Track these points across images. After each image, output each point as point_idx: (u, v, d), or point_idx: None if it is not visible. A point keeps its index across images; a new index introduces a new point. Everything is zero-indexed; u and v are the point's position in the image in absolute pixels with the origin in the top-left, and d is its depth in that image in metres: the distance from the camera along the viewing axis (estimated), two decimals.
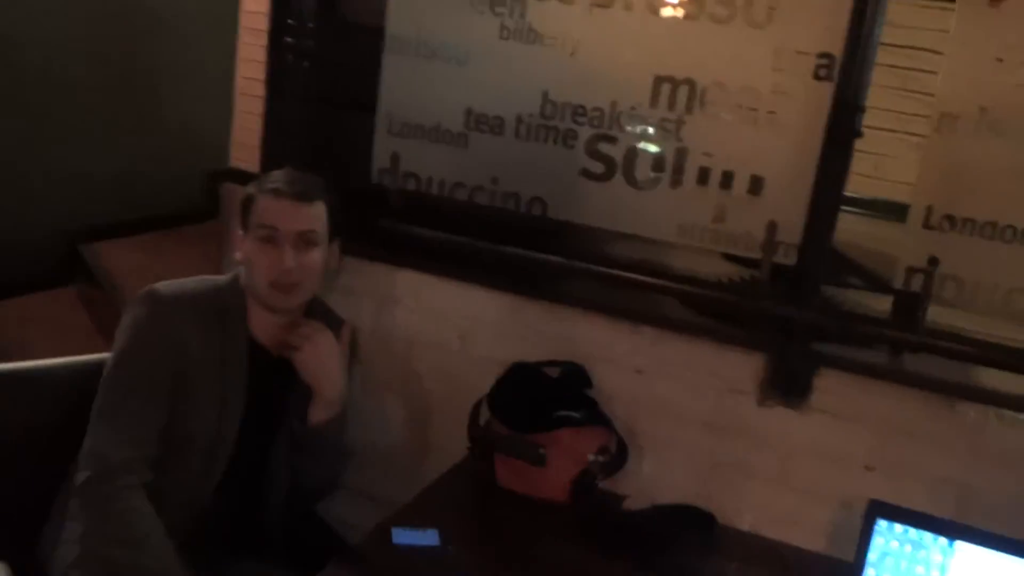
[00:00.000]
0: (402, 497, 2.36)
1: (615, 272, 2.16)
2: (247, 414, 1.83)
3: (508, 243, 2.20)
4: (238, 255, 1.84)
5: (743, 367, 2.06)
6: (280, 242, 1.76)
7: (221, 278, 1.87)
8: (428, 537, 1.84)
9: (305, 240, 1.79)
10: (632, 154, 2.11)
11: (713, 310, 2.14)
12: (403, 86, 2.23)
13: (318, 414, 1.87)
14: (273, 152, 2.36)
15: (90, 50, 4.00)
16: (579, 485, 2.06)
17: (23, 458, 1.87)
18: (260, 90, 4.52)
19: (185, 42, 4.37)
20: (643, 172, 2.12)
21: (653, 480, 2.13)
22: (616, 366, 2.16)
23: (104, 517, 1.67)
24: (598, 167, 2.13)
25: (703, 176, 2.05)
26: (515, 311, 2.23)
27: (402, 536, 1.84)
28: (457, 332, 2.28)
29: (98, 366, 1.83)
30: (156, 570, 1.66)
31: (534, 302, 2.21)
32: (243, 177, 4.57)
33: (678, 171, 2.06)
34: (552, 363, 2.19)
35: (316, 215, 1.81)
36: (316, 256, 1.81)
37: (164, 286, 1.79)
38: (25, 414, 1.90)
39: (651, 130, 2.07)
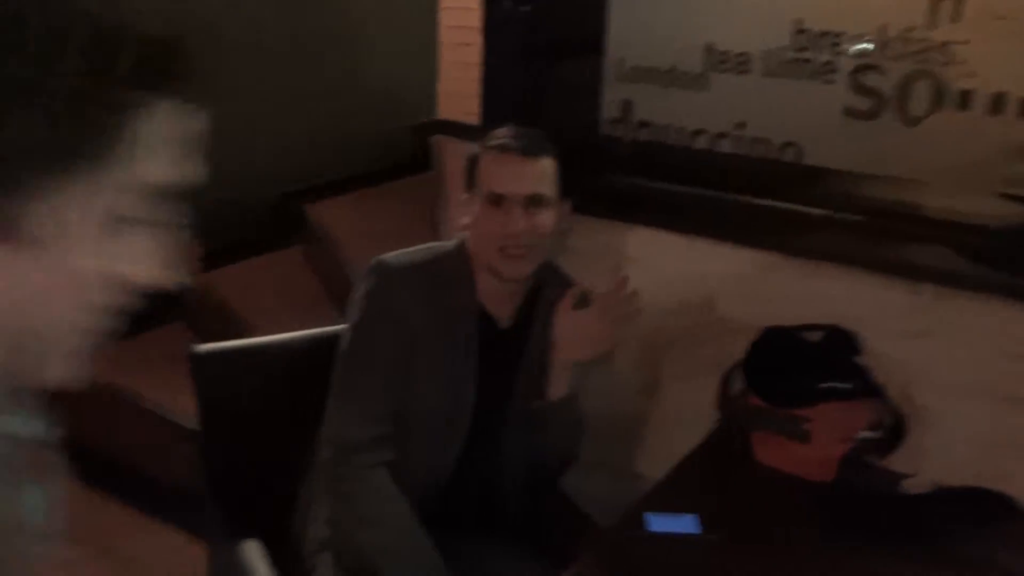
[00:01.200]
0: (643, 469, 2.22)
1: (882, 221, 1.86)
2: (479, 389, 1.74)
3: (756, 194, 1.94)
4: (465, 219, 1.74)
5: None
6: (509, 205, 1.65)
7: (447, 244, 1.78)
8: (686, 524, 1.67)
9: (535, 201, 1.66)
10: (907, 85, 1.80)
11: (997, 261, 1.82)
12: (634, 25, 2.03)
13: (558, 388, 1.74)
14: (492, 106, 2.23)
15: (281, 16, 3.97)
16: (848, 464, 1.82)
17: (267, 435, 1.86)
18: (465, 38, 4.47)
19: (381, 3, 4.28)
20: (919, 106, 1.80)
21: (935, 458, 1.87)
22: (888, 330, 1.90)
23: (348, 498, 1.65)
24: (864, 103, 1.83)
25: (997, 105, 1.71)
26: (766, 270, 2.00)
27: (658, 523, 1.67)
28: (700, 294, 2.08)
29: (334, 337, 1.79)
30: (403, 550, 1.62)
31: (789, 259, 1.98)
32: (452, 128, 4.59)
33: (965, 102, 1.73)
34: (812, 327, 1.95)
35: (544, 172, 1.68)
36: (547, 218, 1.68)
37: (392, 257, 1.72)
38: (265, 390, 1.89)
39: (929, 56, 1.75)
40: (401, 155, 4.54)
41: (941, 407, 1.87)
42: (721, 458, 1.94)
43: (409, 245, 3.87)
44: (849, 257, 1.91)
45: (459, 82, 4.62)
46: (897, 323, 1.88)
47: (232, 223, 3.77)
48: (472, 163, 1.72)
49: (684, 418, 2.11)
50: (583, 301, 1.69)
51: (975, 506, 1.77)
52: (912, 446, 1.86)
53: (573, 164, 1.74)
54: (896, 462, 1.87)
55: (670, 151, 2.05)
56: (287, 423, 1.86)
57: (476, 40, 4.39)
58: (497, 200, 1.66)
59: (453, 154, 4.36)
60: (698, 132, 2.03)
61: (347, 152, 4.29)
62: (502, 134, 1.70)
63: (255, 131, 3.82)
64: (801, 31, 1.85)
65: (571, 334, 1.69)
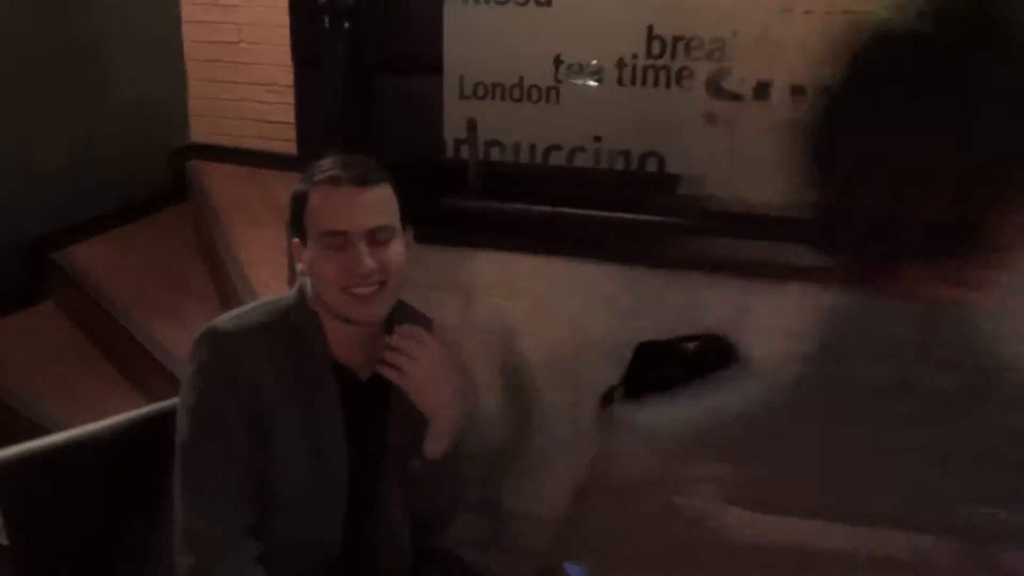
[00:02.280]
0: (526, 506, 2.08)
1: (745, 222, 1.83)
2: (351, 450, 1.55)
3: (616, 208, 1.85)
4: (300, 266, 1.55)
5: None
6: (351, 242, 1.46)
7: (285, 297, 1.58)
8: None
9: (380, 234, 1.49)
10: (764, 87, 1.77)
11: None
12: (474, 40, 1.88)
13: (437, 444, 1.58)
14: (311, 133, 1.97)
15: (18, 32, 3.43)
16: None
17: (96, 548, 1.60)
18: (214, 53, 4.13)
19: (121, 10, 3.82)
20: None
21: None
22: (761, 331, 1.85)
23: None
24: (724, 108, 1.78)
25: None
26: (630, 283, 1.94)
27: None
28: (565, 316, 1.97)
29: (160, 417, 1.59)
30: None
31: (652, 271, 1.91)
32: (208, 151, 4.23)
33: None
34: (686, 338, 1.89)
35: (384, 201, 1.51)
36: (395, 250, 1.51)
37: (223, 322, 1.51)
38: (84, 496, 1.60)
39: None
40: (161, 184, 4.11)
41: None
42: None
43: (181, 282, 3.52)
44: (713, 262, 1.86)
45: (207, 102, 4.31)
46: (769, 322, 1.85)
47: None
48: (298, 203, 1.51)
49: (566, 447, 2.01)
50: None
51: None
52: None
53: (416, 190, 1.58)
54: None
55: (522, 169, 1.92)
56: (117, 530, 1.60)
57: (225, 55, 4.10)
58: (336, 239, 1.46)
59: (217, 178, 4.04)
60: (552, 148, 1.91)
61: (97, 186, 3.82)
62: (328, 165, 1.51)
63: None
64: (656, 37, 1.77)
65: (424, 393, 1.54)
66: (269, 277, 2.98)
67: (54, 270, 3.55)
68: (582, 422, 1.98)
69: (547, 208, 1.90)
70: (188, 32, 4.17)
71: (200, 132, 4.29)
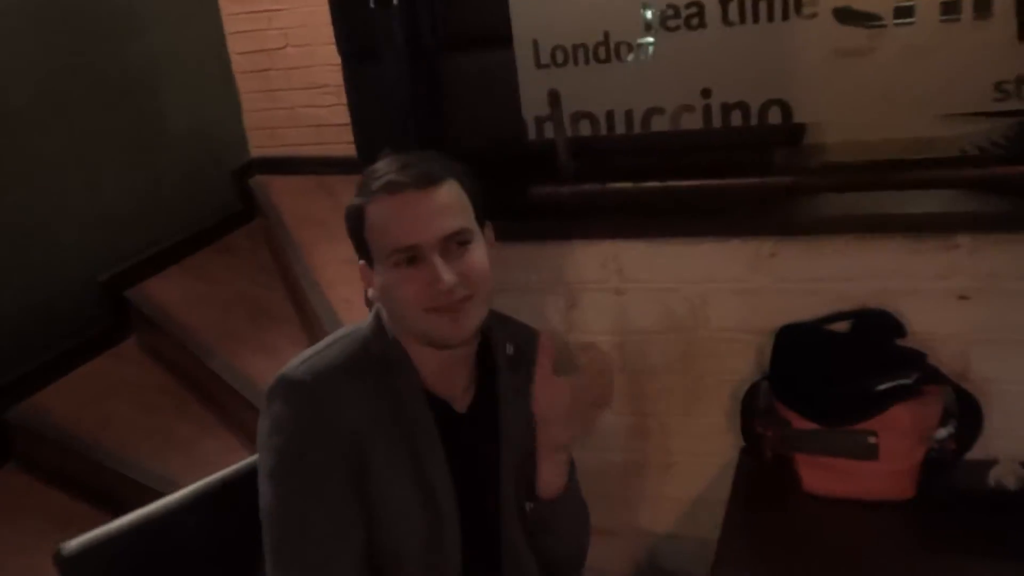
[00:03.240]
0: (654, 526, 1.80)
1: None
2: (458, 495, 1.31)
3: (736, 174, 1.55)
4: (370, 292, 1.32)
5: None
6: (424, 256, 1.23)
7: (360, 327, 1.34)
8: None
9: (456, 240, 1.24)
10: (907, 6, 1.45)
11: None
12: None
13: (552, 482, 1.35)
14: (369, 132, 1.71)
15: (76, 74, 3.28)
16: (929, 471, 1.48)
17: None
18: (262, 63, 3.95)
19: (168, 37, 3.64)
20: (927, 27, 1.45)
21: (1009, 433, 1.55)
22: (926, 297, 1.56)
23: None
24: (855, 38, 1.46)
25: None
26: (762, 260, 1.63)
27: None
28: (687, 304, 1.68)
29: (245, 475, 1.37)
30: None
31: (787, 241, 1.60)
32: (270, 165, 4.05)
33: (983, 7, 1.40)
34: (836, 316, 1.59)
35: (454, 201, 1.26)
36: (477, 256, 1.27)
37: (296, 366, 1.27)
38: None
39: None
40: (225, 206, 3.94)
41: (1009, 373, 1.55)
42: (766, 501, 1.57)
43: (262, 309, 3.33)
44: (861, 221, 1.54)
45: (261, 115, 4.13)
46: (936, 286, 1.54)
47: (43, 324, 3.13)
48: (355, 220, 1.28)
49: (695, 456, 1.74)
50: (566, 361, 1.27)
51: None
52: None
53: (497, 180, 1.35)
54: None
55: (619, 142, 1.64)
56: None
57: (275, 63, 3.92)
58: (405, 255, 1.23)
59: (283, 192, 3.86)
60: (652, 112, 1.61)
61: (165, 216, 3.67)
62: (383, 169, 1.26)
63: (54, 207, 3.17)
64: None
65: (560, 408, 1.29)
66: (352, 295, 2.76)
67: (131, 309, 3.42)
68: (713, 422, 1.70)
69: (654, 183, 1.62)
70: (233, 44, 4.00)
71: (259, 146, 4.12)
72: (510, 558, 1.37)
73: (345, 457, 1.24)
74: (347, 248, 3.10)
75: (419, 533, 1.28)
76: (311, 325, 2.98)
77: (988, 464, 1.52)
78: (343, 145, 3.27)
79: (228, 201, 3.99)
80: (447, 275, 1.21)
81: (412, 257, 1.22)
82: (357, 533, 1.24)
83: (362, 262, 1.31)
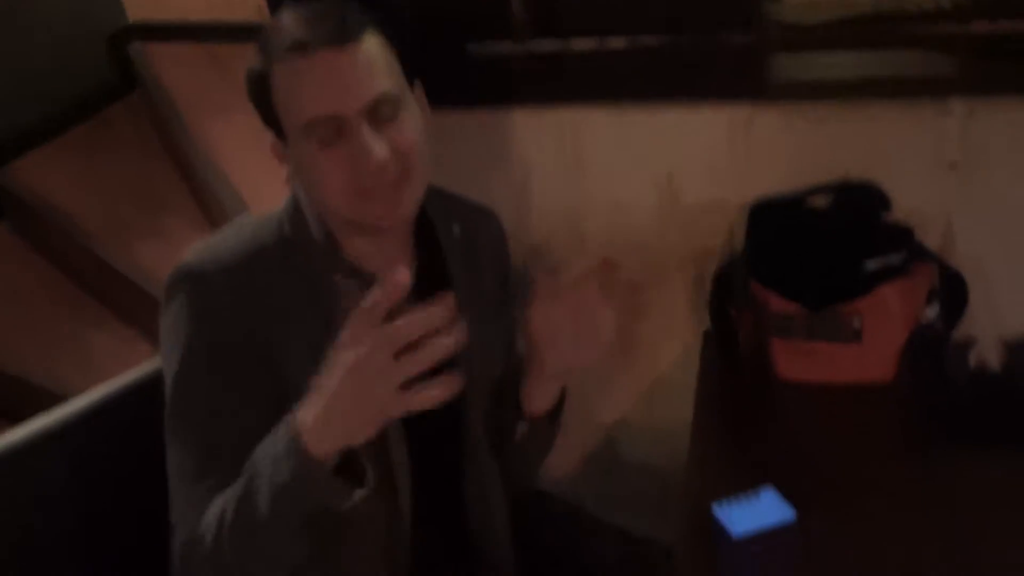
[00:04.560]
0: (610, 416, 1.76)
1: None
2: None
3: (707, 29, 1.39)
4: (284, 169, 1.13)
5: None
6: (348, 129, 1.02)
7: (273, 215, 1.14)
8: (773, 508, 1.19)
9: (383, 108, 1.03)
10: None
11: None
12: None
13: (543, 396, 1.19)
14: None
15: None
16: (914, 352, 1.40)
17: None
18: None
19: None
20: None
21: (992, 311, 1.47)
22: (914, 167, 1.45)
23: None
24: None
25: None
26: (736, 128, 1.47)
27: (738, 519, 1.19)
28: (652, 180, 1.53)
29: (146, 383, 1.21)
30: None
31: (765, 107, 1.44)
32: (151, 31, 3.67)
33: None
34: (816, 189, 1.47)
35: (378, 59, 1.04)
36: (409, 124, 1.06)
37: (199, 260, 1.09)
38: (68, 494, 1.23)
39: None
40: (99, 77, 3.55)
41: (995, 249, 1.47)
42: (737, 389, 1.49)
43: (151, 193, 3.04)
44: (846, 87, 1.41)
45: None
46: (926, 156, 1.44)
47: None
48: (258, 87, 1.06)
49: (642, 343, 1.62)
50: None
51: None
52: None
53: (432, 33, 1.12)
54: None
55: None
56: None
57: None
58: (325, 128, 1.02)
59: (167, 62, 3.51)
60: None
61: (32, 87, 3.26)
62: (289, 25, 1.04)
63: None
64: None
65: (557, 338, 1.11)
66: (259, 175, 2.51)
67: (2, 193, 3.07)
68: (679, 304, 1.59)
69: (620, 41, 1.43)
70: None
71: (138, 5, 3.69)
72: (472, 464, 1.23)
73: (259, 354, 1.06)
74: (245, 126, 2.83)
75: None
76: (210, 209, 2.73)
77: (968, 344, 1.45)
78: (238, 8, 2.96)
79: (103, 71, 3.59)
80: (378, 149, 1.00)
81: (332, 131, 1.01)
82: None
83: (271, 135, 1.09)
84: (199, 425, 1.07)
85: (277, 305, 1.08)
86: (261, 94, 1.06)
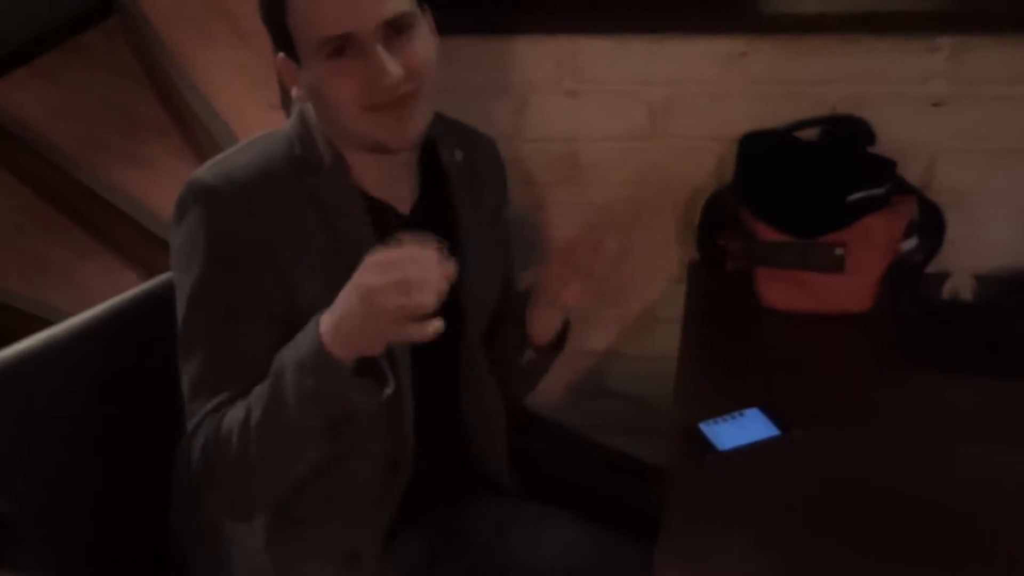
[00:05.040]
0: (597, 345, 1.81)
1: None
2: None
3: None
4: (296, 91, 1.13)
5: None
6: (361, 46, 1.05)
7: (280, 134, 1.17)
8: (758, 425, 1.25)
9: (397, 26, 1.06)
10: None
11: None
12: None
13: (548, 326, 1.27)
14: None
15: None
16: (893, 283, 1.45)
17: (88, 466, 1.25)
18: None
19: None
20: None
21: (967, 245, 1.53)
22: (901, 102, 1.50)
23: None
24: None
25: None
26: (732, 59, 1.51)
27: (725, 435, 1.25)
28: (647, 108, 1.56)
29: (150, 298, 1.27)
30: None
31: (759, 39, 1.49)
32: None
33: None
34: (805, 122, 1.51)
35: None
36: (422, 43, 1.09)
37: (211, 175, 1.11)
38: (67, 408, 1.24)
39: None
40: (75, 2, 3.47)
41: (972, 183, 1.52)
42: (724, 316, 1.54)
43: (135, 120, 3.00)
44: (841, 20, 1.44)
45: None
46: (912, 91, 1.48)
47: None
48: (273, 4, 1.07)
49: (650, 271, 1.67)
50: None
51: None
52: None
53: None
54: None
55: None
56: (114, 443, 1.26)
57: None
58: (340, 46, 1.04)
59: None
60: None
61: (6, 13, 3.19)
62: None
63: None
64: None
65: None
66: (242, 101, 2.50)
67: None
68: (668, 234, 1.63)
69: None
70: None
71: None
72: (470, 376, 1.28)
73: (271, 269, 1.09)
74: (230, 53, 2.81)
75: None
76: (194, 135, 2.71)
77: (942, 276, 1.50)
78: None
79: None
80: (392, 66, 1.04)
81: (347, 47, 1.04)
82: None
83: (281, 56, 1.11)
84: (217, 336, 1.10)
85: (287, 222, 1.11)
86: (276, 13, 1.07)
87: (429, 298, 0.91)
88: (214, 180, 1.09)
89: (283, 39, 1.09)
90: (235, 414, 1.05)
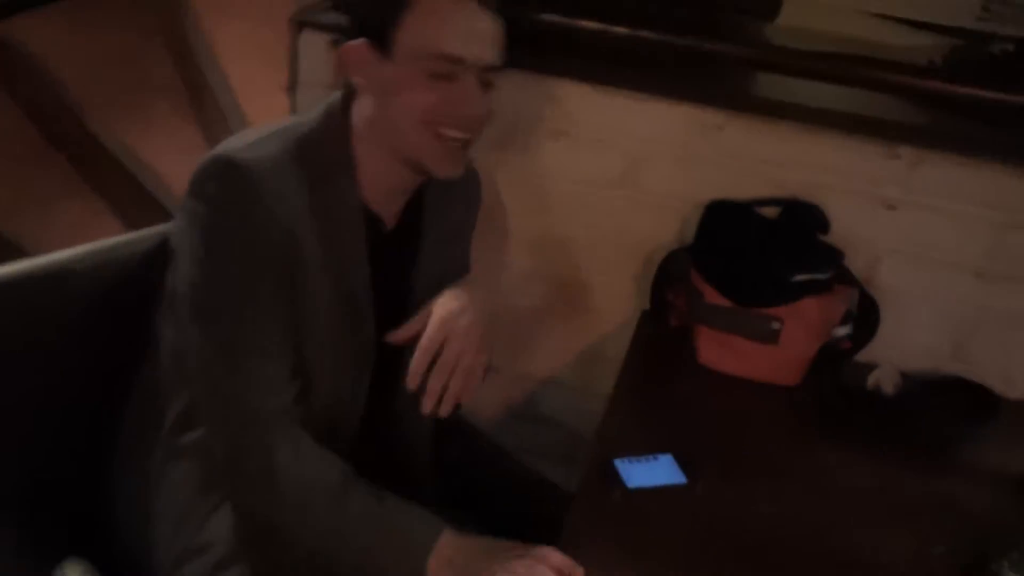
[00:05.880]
0: (540, 372, 1.88)
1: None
2: (376, 304, 1.26)
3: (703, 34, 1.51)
4: (360, 80, 1.19)
5: None
6: (466, 76, 1.15)
7: (308, 118, 1.22)
8: (668, 471, 1.33)
9: (489, 78, 1.19)
10: None
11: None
12: None
13: None
14: None
15: None
16: (822, 364, 1.54)
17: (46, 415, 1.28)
18: None
19: None
20: None
21: (898, 344, 1.62)
22: (857, 200, 1.59)
23: (275, 483, 1.14)
24: None
25: None
26: (708, 130, 1.61)
27: (635, 474, 1.32)
28: (624, 160, 1.66)
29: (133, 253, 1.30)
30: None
31: (737, 117, 1.59)
32: None
33: None
34: (769, 200, 1.61)
35: (501, 36, 1.19)
36: (491, 97, 1.21)
37: (239, 150, 1.15)
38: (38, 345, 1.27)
39: None
40: None
41: (909, 286, 1.62)
42: (662, 366, 1.63)
43: (147, 78, 3.05)
44: (816, 114, 1.54)
45: None
46: (870, 192, 1.58)
47: None
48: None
49: (603, 313, 1.75)
50: None
51: (955, 398, 1.56)
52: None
53: None
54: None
55: None
56: (81, 380, 1.30)
57: None
58: (447, 67, 1.13)
59: None
60: None
61: None
62: None
63: None
64: None
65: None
66: (256, 81, 2.57)
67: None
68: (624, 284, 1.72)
69: (623, 29, 1.54)
70: None
71: None
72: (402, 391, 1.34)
73: (280, 254, 1.14)
74: (249, 27, 2.84)
75: (336, 346, 1.22)
76: (203, 103, 2.78)
77: (870, 367, 1.60)
78: None
79: None
80: (479, 104, 1.15)
81: (456, 71, 1.13)
82: (290, 338, 1.17)
83: (362, 42, 1.16)
84: (250, 311, 1.13)
85: (304, 219, 1.16)
86: (391, 5, 1.14)
87: None
88: (237, 154, 1.14)
89: (379, 30, 1.14)
90: (327, 485, 1.14)
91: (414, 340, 1.21)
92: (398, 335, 1.24)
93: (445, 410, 1.18)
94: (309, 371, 1.21)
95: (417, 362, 1.17)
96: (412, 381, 1.17)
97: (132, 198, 2.54)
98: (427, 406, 1.17)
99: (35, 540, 1.27)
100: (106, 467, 1.30)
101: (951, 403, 1.54)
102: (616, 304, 1.78)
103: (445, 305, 1.21)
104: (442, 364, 1.17)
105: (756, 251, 1.55)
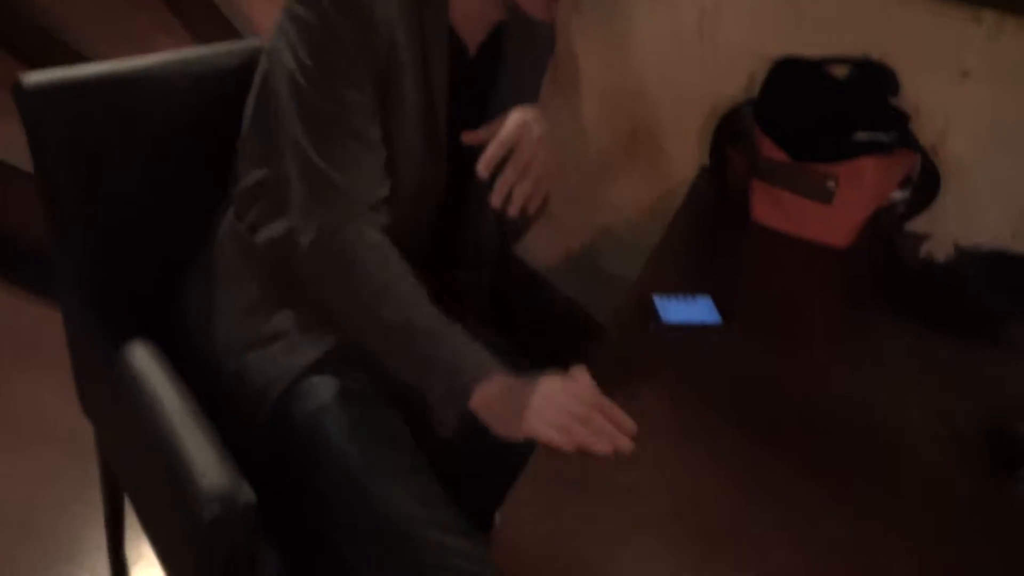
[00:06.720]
0: (600, 225, 1.87)
1: None
2: (450, 130, 1.30)
3: None
4: None
5: None
6: None
7: None
8: (705, 310, 1.36)
9: None
10: None
11: None
12: None
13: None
14: None
15: None
16: (875, 229, 1.54)
17: (135, 191, 1.40)
18: None
19: None
20: None
21: (957, 217, 1.61)
22: (932, 67, 1.56)
23: (355, 274, 1.19)
24: None
25: None
26: None
27: (672, 310, 1.36)
28: (696, 11, 1.63)
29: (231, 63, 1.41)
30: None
31: None
32: None
33: None
34: (838, 59, 1.57)
35: None
36: None
37: None
38: (133, 134, 1.39)
39: None
40: None
41: (976, 160, 1.59)
42: (714, 219, 1.65)
43: None
44: None
45: None
46: (945, 59, 1.54)
47: None
48: None
49: (645, 167, 1.76)
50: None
51: (1008, 275, 1.54)
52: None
53: None
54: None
55: None
56: (165, 178, 1.41)
57: None
58: None
59: None
60: None
61: None
62: None
63: None
64: None
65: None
66: None
67: None
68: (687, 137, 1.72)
69: None
70: None
71: None
72: (478, 209, 1.40)
73: (383, 57, 1.19)
74: None
75: (417, 165, 1.28)
76: None
77: (925, 237, 1.58)
78: None
79: None
80: None
81: None
82: (382, 137, 1.22)
83: None
84: (334, 116, 1.17)
85: (403, 33, 1.19)
86: None
87: (605, 448, 1.05)
88: None
89: None
90: (382, 285, 1.18)
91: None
92: (475, 135, 1.27)
93: (513, 209, 1.20)
94: (393, 174, 1.25)
95: (492, 150, 1.20)
96: (485, 167, 1.20)
97: (222, 39, 2.60)
98: (496, 199, 1.20)
99: (103, 320, 1.38)
100: (176, 256, 1.40)
101: (1003, 280, 1.52)
102: (680, 160, 1.78)
103: (521, 114, 1.23)
104: (515, 159, 1.20)
105: (820, 107, 1.53)
